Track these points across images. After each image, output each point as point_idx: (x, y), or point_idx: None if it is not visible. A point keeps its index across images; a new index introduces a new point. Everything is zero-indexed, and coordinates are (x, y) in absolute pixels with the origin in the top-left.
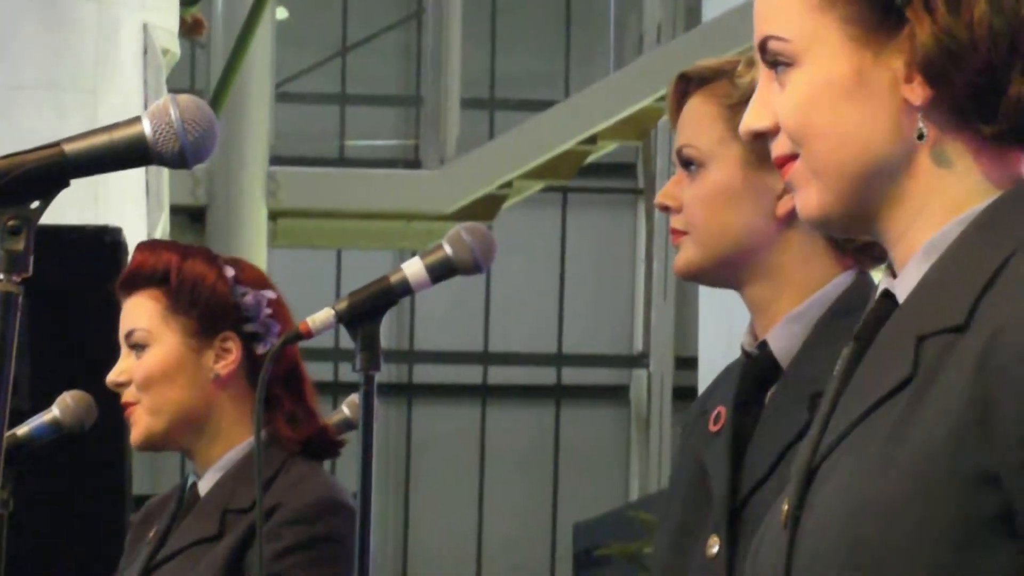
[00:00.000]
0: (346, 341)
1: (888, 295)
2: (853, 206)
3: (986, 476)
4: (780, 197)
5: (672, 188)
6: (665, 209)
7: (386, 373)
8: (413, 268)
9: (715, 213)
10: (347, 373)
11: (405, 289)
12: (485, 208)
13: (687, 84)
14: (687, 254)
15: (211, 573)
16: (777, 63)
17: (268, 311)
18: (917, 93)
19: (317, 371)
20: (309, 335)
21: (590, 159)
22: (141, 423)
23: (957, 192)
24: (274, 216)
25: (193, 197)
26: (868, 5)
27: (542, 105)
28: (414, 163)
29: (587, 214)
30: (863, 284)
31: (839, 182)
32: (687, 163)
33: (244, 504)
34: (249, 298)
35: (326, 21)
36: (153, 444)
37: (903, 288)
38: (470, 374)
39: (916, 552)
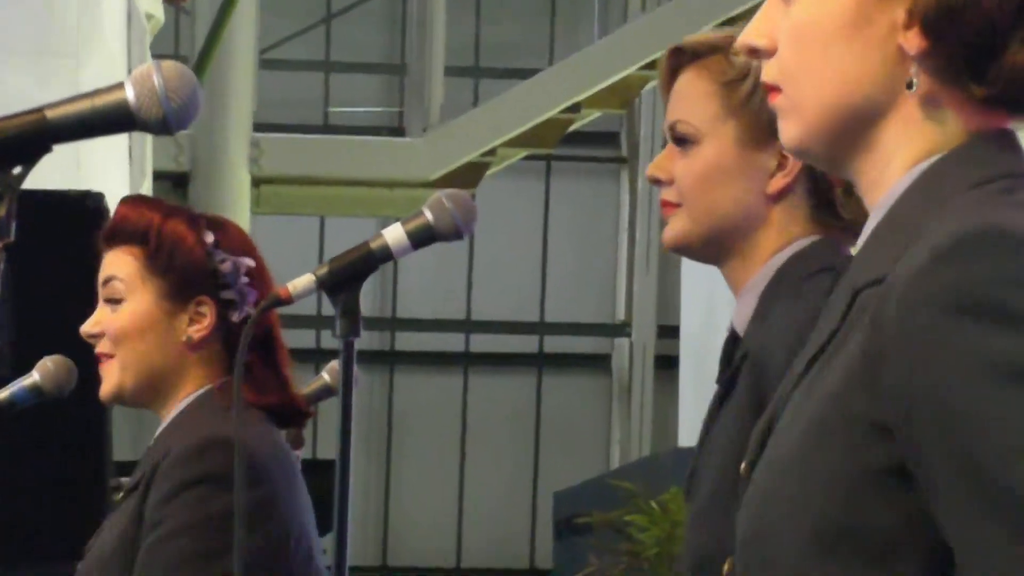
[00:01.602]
0: (328, 308)
1: None
2: (831, 143)
3: (875, 427)
4: (772, 175)
5: (664, 161)
6: (656, 182)
7: (368, 340)
8: (394, 234)
9: (708, 189)
10: (329, 340)
11: (386, 255)
12: (468, 176)
13: (680, 58)
14: (678, 227)
15: (123, 522)
16: None
17: (246, 279)
18: (913, 42)
19: (299, 338)
20: (289, 300)
21: (573, 127)
22: (112, 377)
23: (932, 145)
24: (257, 183)
25: (176, 163)
26: None
27: (527, 73)
28: (398, 131)
29: (570, 183)
30: (818, 248)
31: (821, 118)
32: (680, 139)
33: (161, 455)
34: (227, 264)
35: None
36: (120, 399)
37: (861, 243)
38: (452, 342)
39: (805, 502)
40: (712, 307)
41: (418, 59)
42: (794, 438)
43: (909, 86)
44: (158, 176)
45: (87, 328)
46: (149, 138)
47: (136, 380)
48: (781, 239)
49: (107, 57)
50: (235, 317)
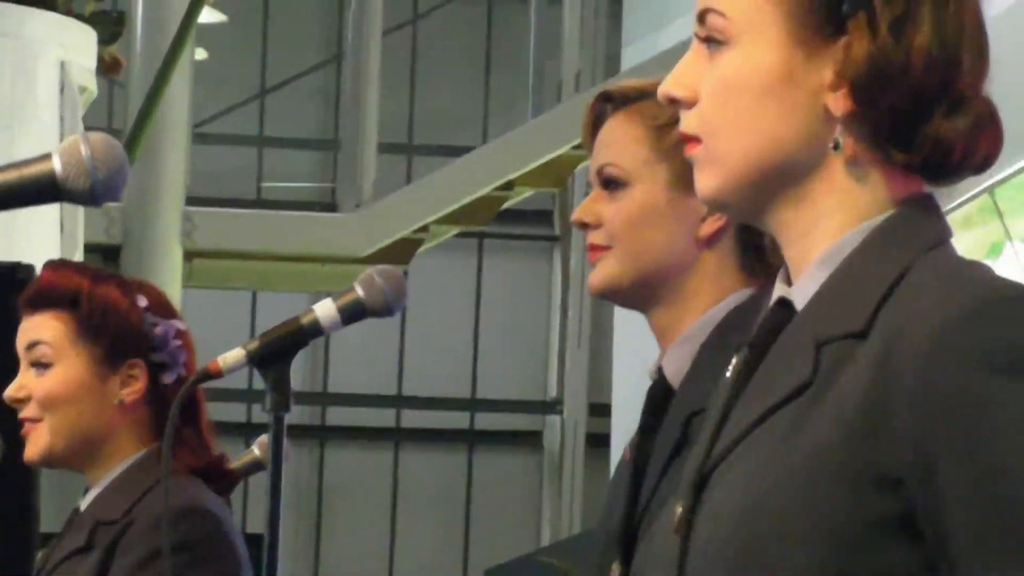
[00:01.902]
0: (259, 382)
1: (784, 303)
2: (752, 196)
3: (882, 478)
4: (703, 220)
5: (591, 204)
6: (583, 225)
7: (299, 415)
8: (324, 309)
9: (640, 232)
10: (260, 414)
11: (316, 330)
12: (401, 252)
13: (608, 103)
14: (607, 270)
15: None
16: (711, 39)
17: (177, 342)
18: (839, 104)
19: (230, 412)
20: (220, 374)
21: (507, 205)
22: (41, 441)
23: (861, 204)
24: (189, 256)
25: (108, 236)
26: (813, 5)
27: (461, 151)
28: (331, 207)
29: (503, 260)
30: (758, 301)
31: (742, 172)
32: (609, 182)
33: (114, 516)
34: (159, 328)
35: (246, 63)
36: (49, 462)
37: (801, 296)
38: (383, 417)
39: (806, 550)
40: (644, 385)
41: (351, 135)
42: (784, 488)
43: (835, 147)
44: (90, 248)
45: (11, 393)
46: (81, 210)
47: (67, 443)
48: (712, 287)
49: (41, 129)
50: (165, 379)
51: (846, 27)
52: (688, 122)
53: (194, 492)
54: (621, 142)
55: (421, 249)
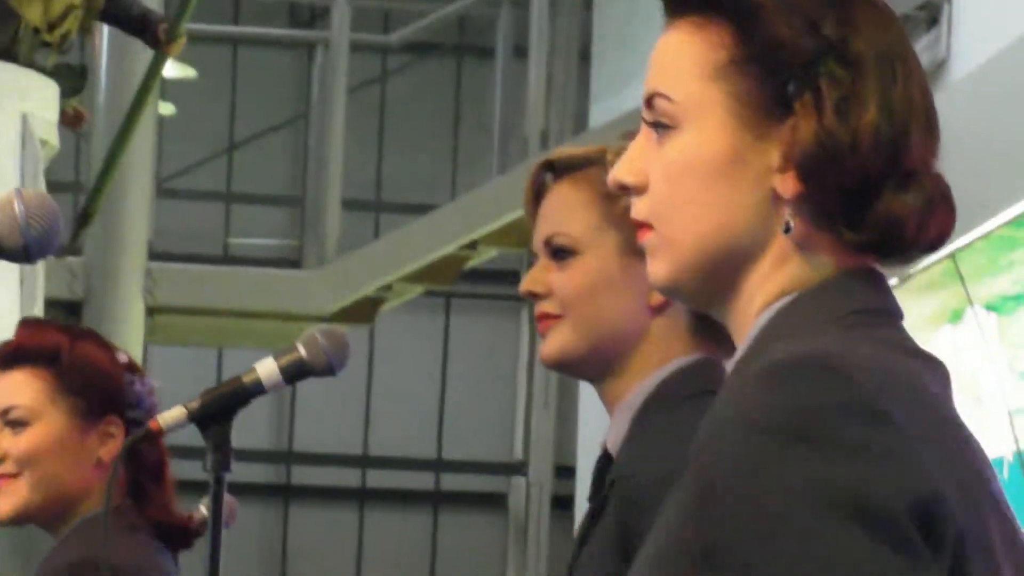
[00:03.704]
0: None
1: None
2: (702, 282)
3: (701, 552)
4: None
5: (539, 274)
6: (532, 295)
7: (263, 473)
8: (267, 368)
9: (592, 300)
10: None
11: (258, 389)
12: (364, 310)
13: (551, 171)
14: (560, 339)
15: None
16: (659, 124)
17: (152, 399)
18: (788, 186)
19: (186, 469)
20: (160, 433)
21: (472, 264)
22: (17, 496)
23: (786, 283)
24: (151, 312)
25: (70, 291)
26: (759, 88)
27: (428, 208)
28: (298, 263)
29: (470, 320)
30: (699, 367)
31: (693, 258)
32: (558, 251)
33: (47, 570)
34: (137, 386)
35: (215, 118)
36: (24, 518)
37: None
38: (349, 477)
39: None
40: None
41: (315, 191)
42: (640, 567)
43: (787, 230)
44: (52, 303)
45: None
46: (40, 264)
47: (44, 500)
48: (660, 353)
49: (1, 182)
50: None
51: (793, 108)
52: (639, 208)
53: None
54: (568, 209)
55: (385, 307)
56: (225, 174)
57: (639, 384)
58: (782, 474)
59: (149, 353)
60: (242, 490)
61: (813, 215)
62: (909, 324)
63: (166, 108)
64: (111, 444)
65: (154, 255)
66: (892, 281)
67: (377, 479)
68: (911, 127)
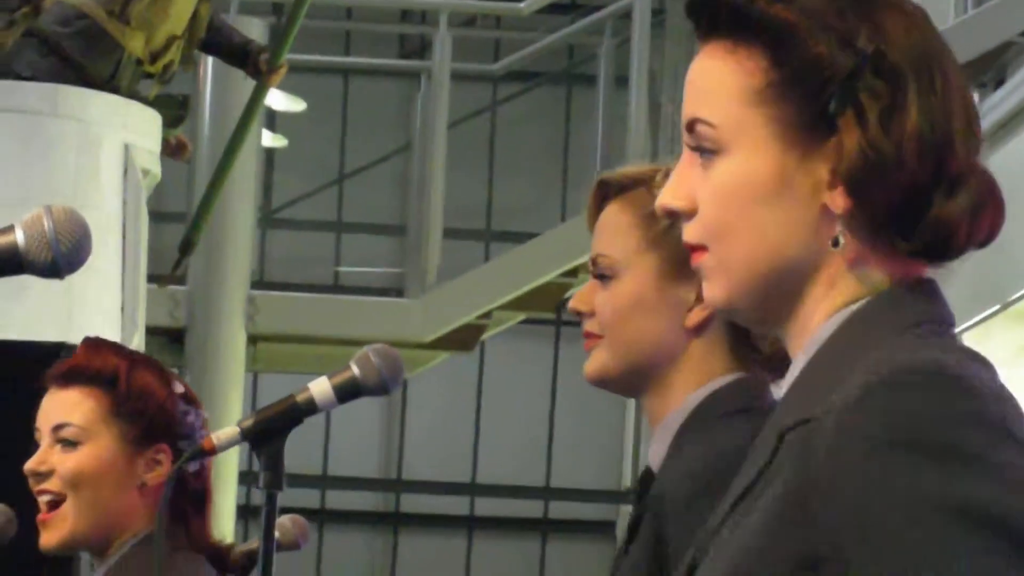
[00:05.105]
0: (291, 463)
1: None
2: (760, 301)
3: (806, 561)
4: (691, 309)
5: (585, 294)
6: (578, 314)
7: (373, 501)
8: (320, 388)
9: (629, 322)
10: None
11: (311, 408)
12: (464, 337)
13: (606, 190)
14: (598, 360)
15: None
16: (702, 148)
17: (204, 432)
18: (838, 202)
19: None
20: (213, 451)
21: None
22: (63, 526)
23: (847, 294)
24: (253, 340)
25: (172, 319)
26: (800, 108)
27: (535, 236)
28: (402, 292)
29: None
30: (736, 387)
31: (748, 279)
32: (601, 274)
33: None
34: (191, 417)
35: (324, 148)
36: (71, 546)
37: (785, 386)
38: (457, 505)
39: None
40: None
41: (417, 220)
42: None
43: (835, 244)
44: (154, 331)
45: (32, 466)
46: (142, 291)
47: (91, 525)
48: (699, 374)
49: (104, 211)
50: (190, 467)
51: (836, 125)
52: (690, 232)
53: (192, 569)
54: (612, 232)
55: (485, 335)
56: (335, 203)
57: (679, 403)
58: (917, 487)
59: (254, 381)
60: (351, 517)
61: (864, 228)
62: (1006, 353)
63: (278, 140)
64: (157, 471)
65: (264, 283)
66: (993, 308)
67: (486, 507)
68: (953, 130)
